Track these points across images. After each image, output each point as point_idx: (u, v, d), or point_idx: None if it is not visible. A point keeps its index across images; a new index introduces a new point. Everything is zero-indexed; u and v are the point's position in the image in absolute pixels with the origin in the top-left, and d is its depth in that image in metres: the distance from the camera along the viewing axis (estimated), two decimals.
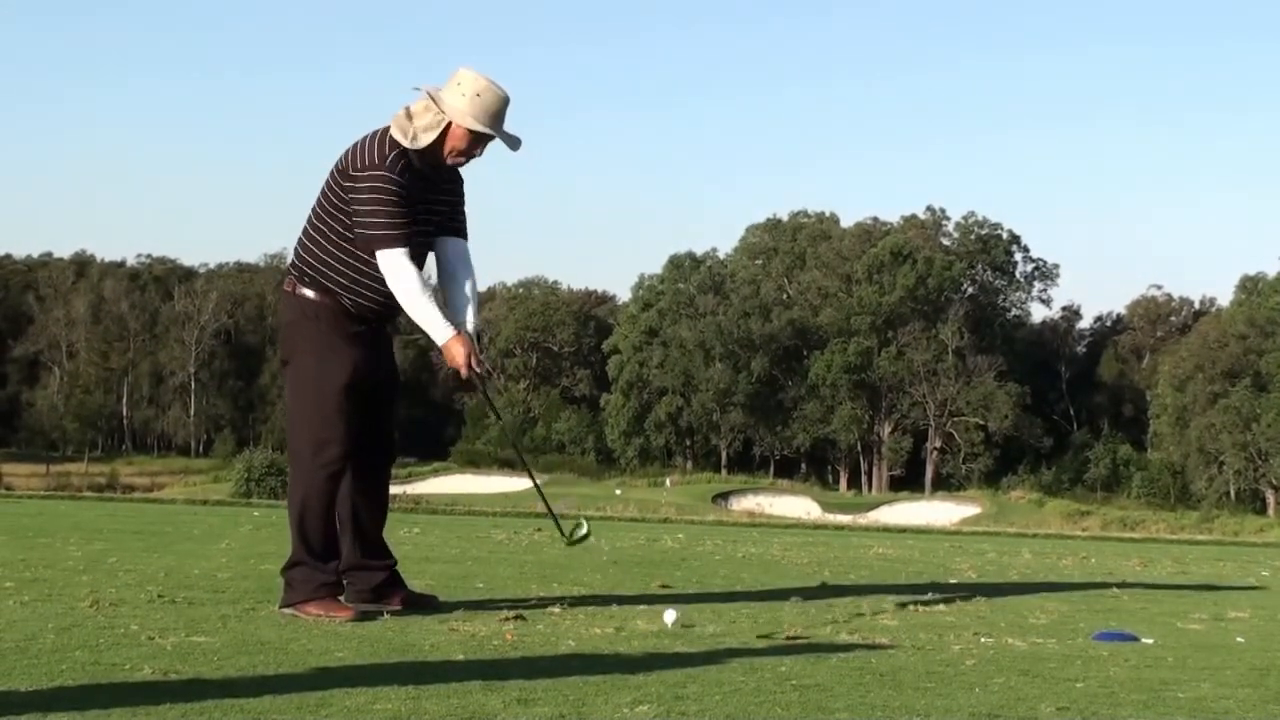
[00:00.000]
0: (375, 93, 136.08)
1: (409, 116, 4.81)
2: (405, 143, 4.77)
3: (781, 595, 6.05)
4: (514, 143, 4.92)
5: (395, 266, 4.73)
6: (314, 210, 4.92)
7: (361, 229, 4.75)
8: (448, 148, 4.82)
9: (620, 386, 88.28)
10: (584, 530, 5.19)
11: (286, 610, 4.72)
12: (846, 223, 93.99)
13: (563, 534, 5.21)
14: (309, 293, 4.90)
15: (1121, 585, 7.44)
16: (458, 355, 4.86)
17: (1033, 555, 10.47)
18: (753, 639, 4.54)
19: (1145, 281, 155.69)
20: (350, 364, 4.85)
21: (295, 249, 5.00)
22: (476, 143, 4.84)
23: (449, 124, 4.77)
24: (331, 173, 4.86)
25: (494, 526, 11.82)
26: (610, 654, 4.08)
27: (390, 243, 4.72)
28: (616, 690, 3.43)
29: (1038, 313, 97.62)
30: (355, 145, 4.82)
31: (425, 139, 4.77)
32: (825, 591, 6.38)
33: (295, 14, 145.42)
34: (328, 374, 4.84)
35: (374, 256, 4.75)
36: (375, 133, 4.84)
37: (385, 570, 5.07)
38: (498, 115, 4.81)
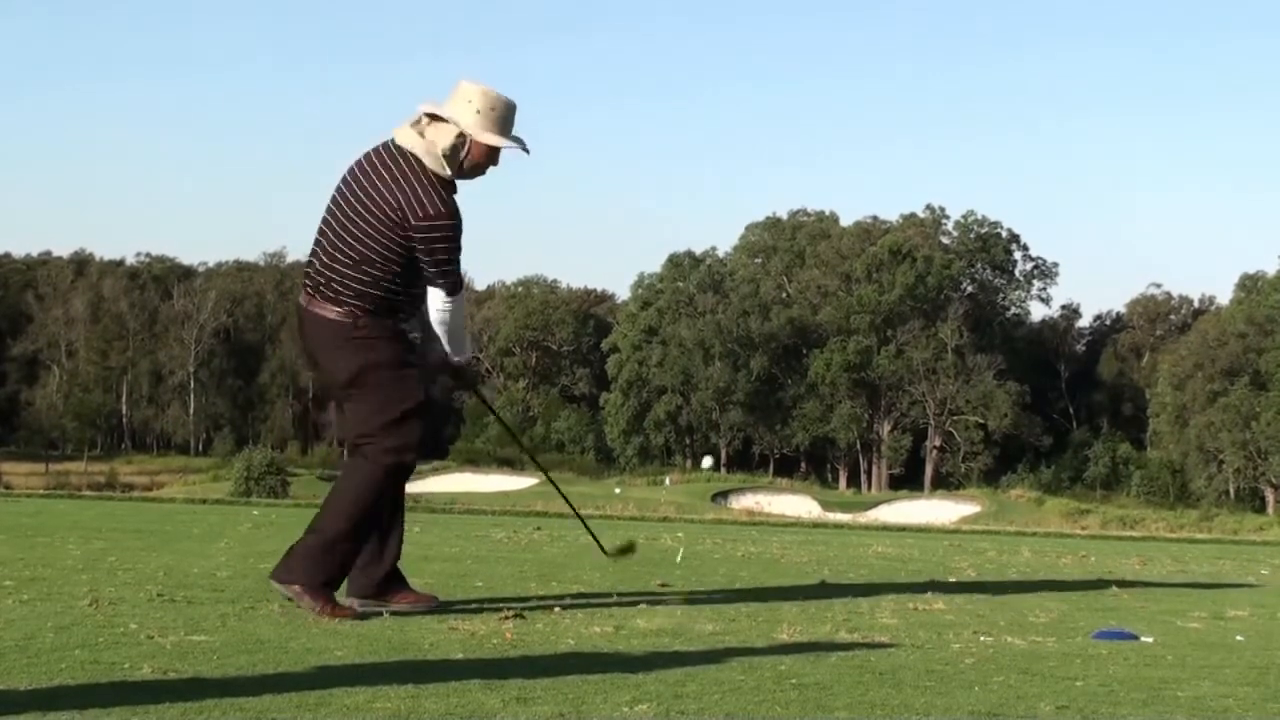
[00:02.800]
0: (373, 92, 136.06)
1: (424, 138, 4.85)
2: (446, 175, 4.84)
3: (781, 594, 6.04)
4: (526, 148, 4.99)
5: (459, 302, 5.00)
6: (361, 246, 4.86)
7: (440, 274, 4.87)
8: (468, 164, 4.89)
9: (619, 385, 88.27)
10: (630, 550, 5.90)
11: (280, 586, 4.72)
12: (846, 221, 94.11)
13: (602, 549, 5.75)
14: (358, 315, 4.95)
15: (1121, 584, 7.44)
16: (470, 374, 5.27)
17: (1032, 554, 10.46)
18: (752, 637, 4.54)
19: (1144, 280, 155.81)
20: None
21: (345, 281, 4.89)
22: (494, 156, 4.92)
23: (469, 142, 4.83)
24: (380, 218, 4.81)
25: (493, 525, 11.81)
26: (609, 653, 4.08)
27: (461, 284, 5.01)
28: (616, 689, 3.43)
29: (1037, 311, 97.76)
30: (407, 192, 4.79)
31: (457, 165, 4.85)
32: (824, 590, 6.38)
33: (293, 12, 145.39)
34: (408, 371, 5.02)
35: (449, 297, 4.94)
36: (417, 174, 4.82)
37: (388, 568, 5.08)
38: (510, 124, 4.91)
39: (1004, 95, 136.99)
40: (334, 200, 4.97)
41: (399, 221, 4.78)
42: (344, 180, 4.96)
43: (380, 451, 4.88)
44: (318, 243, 4.99)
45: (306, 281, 5.03)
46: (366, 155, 4.96)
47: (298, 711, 3.06)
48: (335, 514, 4.88)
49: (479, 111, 4.81)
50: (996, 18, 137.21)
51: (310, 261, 5.03)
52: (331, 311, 4.91)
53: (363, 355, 4.93)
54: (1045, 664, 4.18)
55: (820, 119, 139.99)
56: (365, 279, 4.87)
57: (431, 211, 4.77)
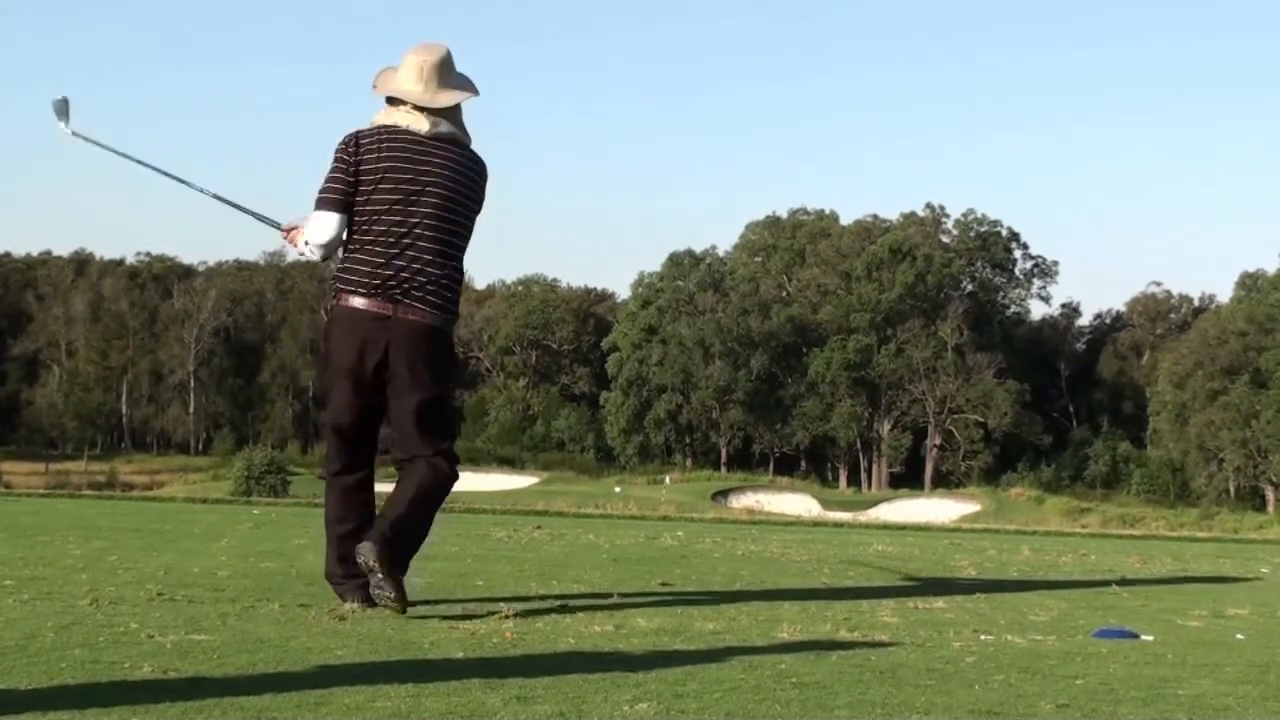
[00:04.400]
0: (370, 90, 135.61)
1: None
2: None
3: (781, 593, 6.04)
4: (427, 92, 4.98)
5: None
6: (455, 239, 4.94)
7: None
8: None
9: (620, 384, 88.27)
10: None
11: (394, 583, 4.71)
12: (846, 220, 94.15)
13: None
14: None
15: (1121, 582, 7.45)
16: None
17: (1032, 552, 10.46)
18: (752, 636, 4.54)
19: (1145, 278, 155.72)
20: None
21: (440, 283, 4.89)
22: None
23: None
24: (473, 196, 5.00)
25: (494, 524, 11.81)
26: (610, 652, 4.08)
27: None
28: (616, 688, 3.42)
29: (1037, 310, 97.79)
30: (479, 165, 5.04)
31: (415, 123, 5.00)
32: (825, 589, 6.38)
33: (293, 12, 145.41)
34: None
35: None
36: (469, 146, 5.03)
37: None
38: (408, 77, 5.00)
39: (1003, 95, 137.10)
40: (425, 192, 4.88)
41: (478, 190, 5.03)
42: (433, 170, 4.91)
43: (452, 462, 4.98)
44: (405, 239, 4.85)
45: (390, 284, 4.82)
46: (419, 142, 4.94)
47: (298, 711, 3.06)
48: (426, 519, 4.92)
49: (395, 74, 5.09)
50: (996, 17, 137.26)
51: (387, 262, 4.83)
52: (434, 318, 4.88)
53: (453, 364, 4.97)
54: (1046, 662, 4.18)
55: (820, 117, 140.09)
56: (458, 274, 4.98)
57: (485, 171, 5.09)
